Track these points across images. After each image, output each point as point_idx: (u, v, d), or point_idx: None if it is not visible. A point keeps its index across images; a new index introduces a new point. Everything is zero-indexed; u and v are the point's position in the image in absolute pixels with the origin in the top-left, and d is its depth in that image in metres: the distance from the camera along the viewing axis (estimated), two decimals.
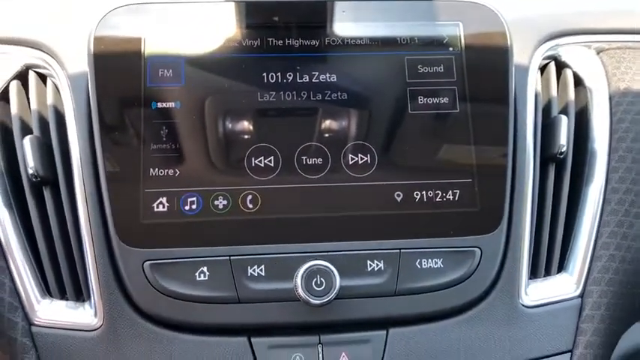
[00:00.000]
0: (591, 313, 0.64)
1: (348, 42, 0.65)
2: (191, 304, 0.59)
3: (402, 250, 0.62)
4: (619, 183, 0.68)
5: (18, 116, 0.65)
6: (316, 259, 0.59)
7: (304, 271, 0.58)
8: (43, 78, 0.68)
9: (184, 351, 0.59)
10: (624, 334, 0.73)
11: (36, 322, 0.60)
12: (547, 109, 0.71)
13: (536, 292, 0.65)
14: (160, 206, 0.61)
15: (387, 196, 0.63)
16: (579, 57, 0.74)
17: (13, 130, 0.65)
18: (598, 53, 0.75)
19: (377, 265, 0.61)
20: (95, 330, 0.60)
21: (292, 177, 0.62)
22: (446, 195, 0.63)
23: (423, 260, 0.62)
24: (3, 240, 0.61)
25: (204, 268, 0.60)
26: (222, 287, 0.60)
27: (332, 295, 0.58)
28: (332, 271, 0.58)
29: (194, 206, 0.61)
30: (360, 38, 0.65)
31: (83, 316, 0.61)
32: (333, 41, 0.65)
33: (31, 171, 0.62)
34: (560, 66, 0.73)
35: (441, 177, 0.63)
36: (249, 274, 0.60)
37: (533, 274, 0.66)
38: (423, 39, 0.65)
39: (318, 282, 0.58)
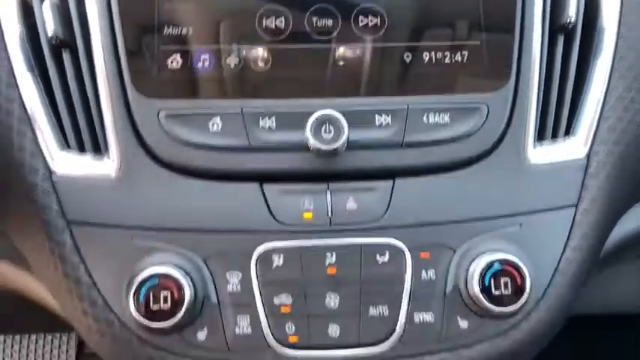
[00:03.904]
0: (596, 171, 0.65)
1: None
2: (205, 152, 0.62)
3: (409, 106, 0.63)
4: (627, 51, 0.68)
5: None
6: (326, 109, 0.61)
7: (314, 120, 0.60)
8: None
9: (199, 196, 0.62)
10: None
11: (56, 171, 0.63)
12: None
13: (542, 152, 0.66)
14: (174, 63, 0.63)
15: (396, 57, 0.64)
16: None
17: None
18: None
19: (385, 119, 0.63)
20: (113, 177, 0.62)
21: (303, 37, 0.64)
22: (454, 56, 0.64)
23: (430, 115, 0.63)
24: (25, 98, 0.64)
25: (217, 119, 0.62)
26: (234, 136, 0.62)
27: (340, 141, 0.60)
28: (340, 120, 0.60)
29: (206, 63, 0.63)
30: None
31: (102, 166, 0.63)
32: None
33: (50, 34, 0.64)
34: None
35: (450, 39, 0.65)
36: (260, 126, 0.62)
37: (541, 137, 0.67)
38: None
39: (327, 130, 0.60)
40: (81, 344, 1.60)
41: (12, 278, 0.74)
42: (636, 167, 0.68)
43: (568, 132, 0.68)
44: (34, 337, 1.62)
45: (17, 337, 1.61)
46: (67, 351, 1.61)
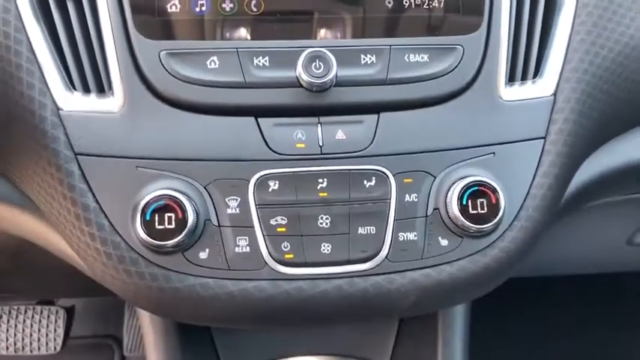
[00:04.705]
0: (562, 106, 0.71)
1: None
2: (204, 88, 0.66)
3: (392, 47, 0.69)
4: None
5: None
6: (316, 47, 0.66)
7: (305, 56, 0.65)
8: None
9: (199, 129, 0.66)
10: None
11: (63, 108, 0.66)
12: None
13: (513, 92, 0.72)
14: (174, 7, 0.68)
15: (379, 3, 0.70)
16: None
17: None
18: None
19: (370, 58, 0.68)
20: (117, 113, 0.66)
21: None
22: (432, 2, 0.70)
23: (410, 55, 0.69)
24: (32, 41, 0.67)
25: (215, 58, 0.67)
26: (231, 74, 0.67)
27: (329, 76, 0.65)
28: (329, 57, 0.66)
29: (203, 8, 0.68)
30: None
31: (106, 104, 0.67)
32: None
33: None
34: None
35: None
36: (254, 64, 0.67)
37: (512, 79, 0.73)
38: None
39: (317, 66, 0.65)
40: (70, 319, 1.62)
41: (13, 221, 0.78)
42: (599, 107, 0.75)
43: (536, 75, 0.74)
44: (21, 316, 1.63)
45: (6, 311, 1.63)
46: (54, 330, 1.63)
